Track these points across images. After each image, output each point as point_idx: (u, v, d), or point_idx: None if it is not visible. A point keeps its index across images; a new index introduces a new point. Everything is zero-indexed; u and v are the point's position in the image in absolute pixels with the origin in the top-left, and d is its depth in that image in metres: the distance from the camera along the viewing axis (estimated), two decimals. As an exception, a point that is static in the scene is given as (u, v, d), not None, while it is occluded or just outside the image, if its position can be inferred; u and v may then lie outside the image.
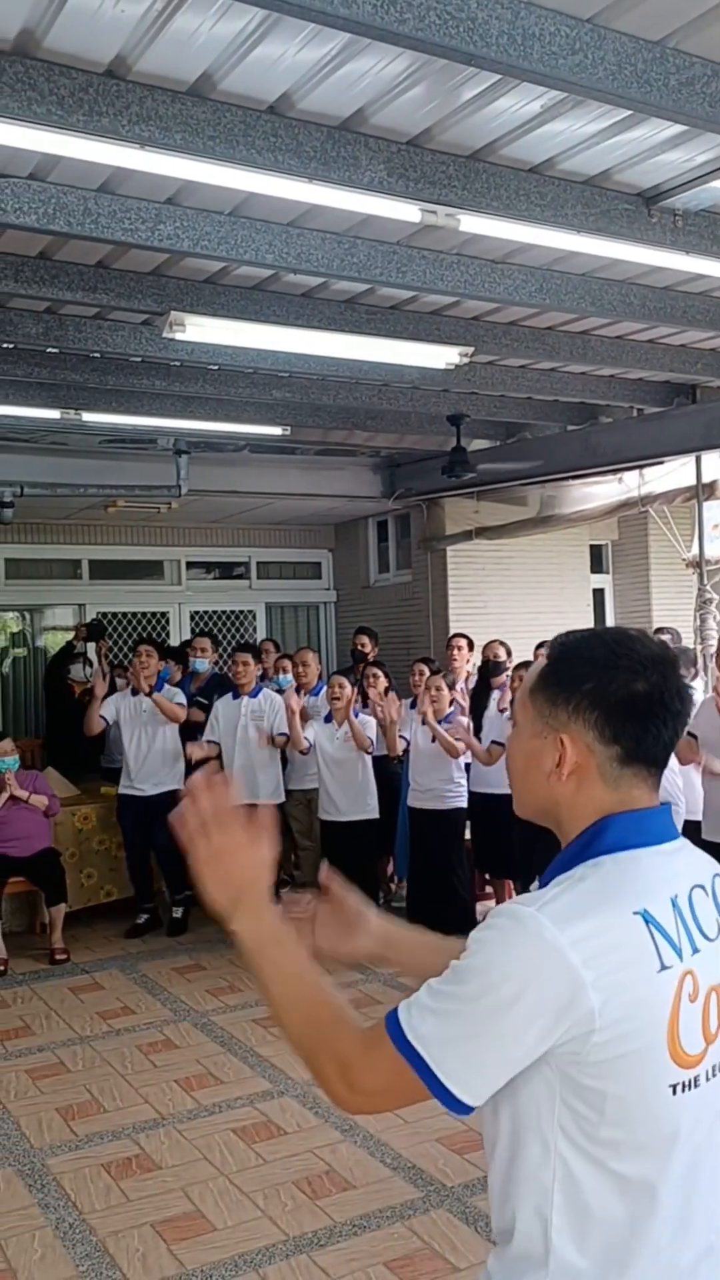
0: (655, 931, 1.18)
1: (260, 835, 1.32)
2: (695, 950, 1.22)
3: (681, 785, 5.08)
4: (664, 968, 1.18)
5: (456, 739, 6.31)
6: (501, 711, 6.54)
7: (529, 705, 1.31)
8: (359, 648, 8.34)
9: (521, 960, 1.14)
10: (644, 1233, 1.18)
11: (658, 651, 1.27)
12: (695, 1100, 1.19)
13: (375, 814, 6.63)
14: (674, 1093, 1.17)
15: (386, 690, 7.44)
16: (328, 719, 6.68)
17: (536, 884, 1.28)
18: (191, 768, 7.03)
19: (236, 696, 6.82)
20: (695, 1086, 1.19)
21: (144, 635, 9.02)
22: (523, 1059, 1.15)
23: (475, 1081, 1.16)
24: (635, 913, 1.18)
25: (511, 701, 6.01)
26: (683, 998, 1.18)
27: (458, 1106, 1.17)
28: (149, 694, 6.72)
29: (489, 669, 6.97)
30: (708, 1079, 1.21)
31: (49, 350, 5.66)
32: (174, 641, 9.32)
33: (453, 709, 6.48)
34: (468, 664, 7.41)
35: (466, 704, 6.90)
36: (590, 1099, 1.15)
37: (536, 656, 6.66)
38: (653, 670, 1.25)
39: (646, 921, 1.18)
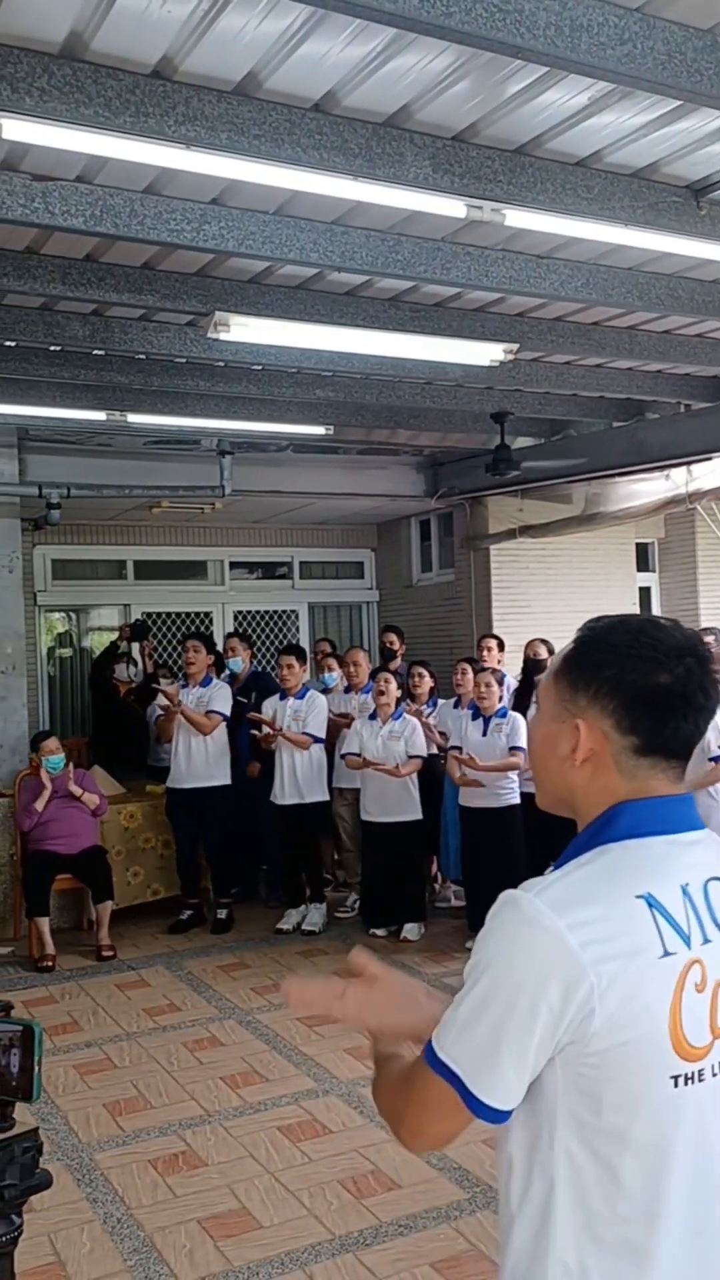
0: (659, 916, 1.15)
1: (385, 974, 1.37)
2: (706, 940, 1.18)
3: None
4: (667, 954, 1.14)
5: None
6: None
7: (551, 689, 1.29)
8: (388, 645, 8.37)
9: (521, 948, 1.13)
10: (650, 1231, 1.14)
11: (685, 642, 1.23)
12: (699, 1094, 1.16)
13: (418, 815, 6.61)
14: (675, 1085, 1.14)
15: (432, 690, 7.43)
16: (372, 717, 6.68)
17: (551, 867, 1.26)
18: (238, 763, 7.06)
19: (284, 697, 6.84)
20: (699, 1080, 1.16)
21: (191, 631, 9.09)
22: (539, 1050, 1.13)
23: (502, 1085, 1.14)
24: (638, 896, 1.15)
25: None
26: (687, 986, 1.15)
27: (493, 1115, 1.15)
28: (177, 706, 6.71)
29: (531, 667, 6.92)
30: (714, 1074, 1.17)
31: (95, 352, 5.71)
32: (219, 642, 9.37)
33: (503, 708, 6.44)
34: (498, 664, 7.35)
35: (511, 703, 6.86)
36: (590, 1088, 1.13)
37: None
38: (677, 661, 1.21)
39: (650, 905, 1.15)
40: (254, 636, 9.11)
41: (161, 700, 6.99)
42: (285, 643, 9.43)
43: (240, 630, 9.18)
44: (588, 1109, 1.14)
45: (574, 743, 1.24)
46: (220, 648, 7.82)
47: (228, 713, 6.91)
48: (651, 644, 1.23)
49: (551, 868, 1.25)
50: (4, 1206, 1.46)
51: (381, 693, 6.59)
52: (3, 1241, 1.49)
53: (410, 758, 6.50)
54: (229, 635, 8.10)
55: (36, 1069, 1.43)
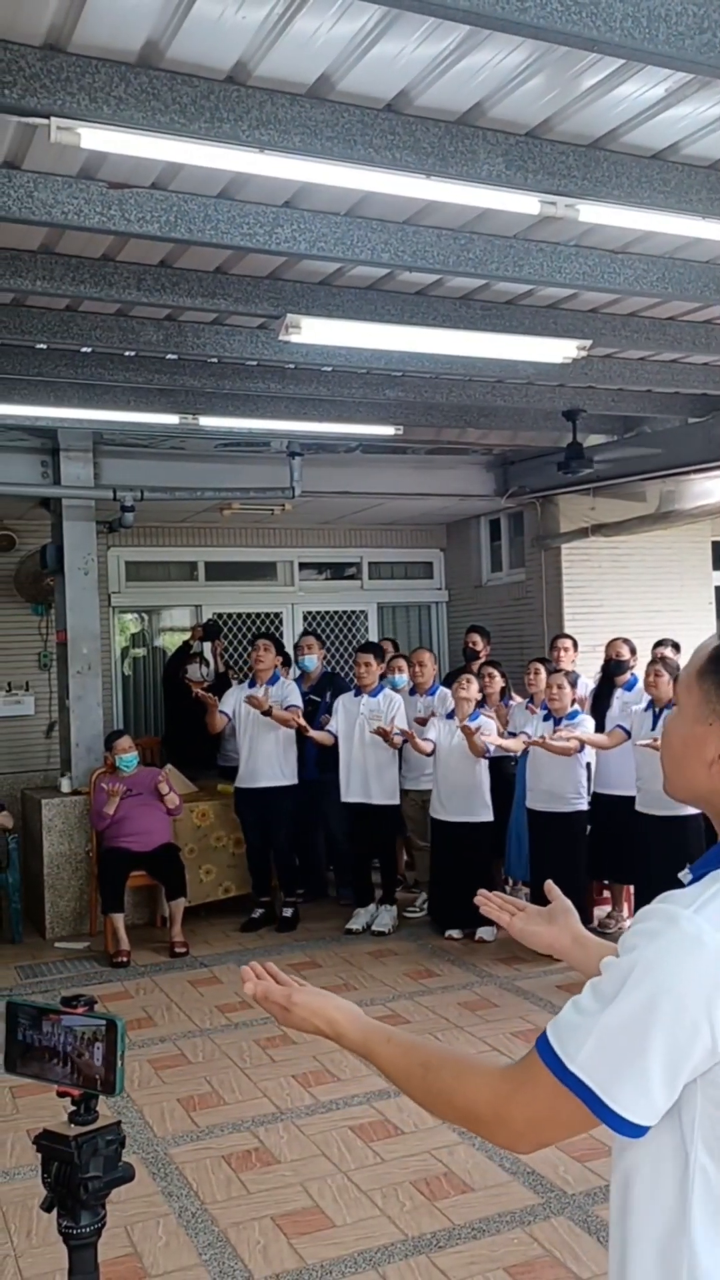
0: None
1: (293, 990, 1.41)
2: None
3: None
4: None
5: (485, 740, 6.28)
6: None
7: (697, 688, 1.25)
8: (471, 645, 8.29)
9: (681, 968, 1.08)
10: None
11: None
12: None
13: (489, 817, 6.58)
14: None
15: (504, 690, 7.38)
16: (449, 716, 6.66)
17: (687, 873, 1.23)
18: (305, 762, 7.09)
19: (358, 694, 6.86)
20: None
21: (261, 631, 9.16)
22: (691, 1072, 1.09)
23: (646, 1103, 1.10)
24: None
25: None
26: None
27: (632, 1130, 1.11)
28: (267, 712, 6.74)
29: (611, 668, 6.83)
30: None
31: (168, 357, 5.79)
32: (286, 642, 9.43)
33: (574, 710, 6.36)
34: (572, 665, 7.27)
35: (590, 704, 6.79)
36: None
37: (655, 655, 6.57)
38: None
39: None
40: (324, 637, 9.13)
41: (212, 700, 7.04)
42: (356, 643, 9.46)
43: (313, 630, 9.22)
44: None
45: (713, 745, 1.22)
46: (291, 647, 7.87)
47: (300, 704, 6.96)
48: None
49: (688, 871, 1.23)
50: (88, 1198, 1.49)
51: (462, 689, 6.56)
52: (87, 1232, 1.51)
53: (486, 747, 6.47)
54: (304, 634, 8.15)
55: (119, 1063, 1.45)
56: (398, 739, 6.62)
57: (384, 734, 6.56)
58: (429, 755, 6.65)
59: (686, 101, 3.38)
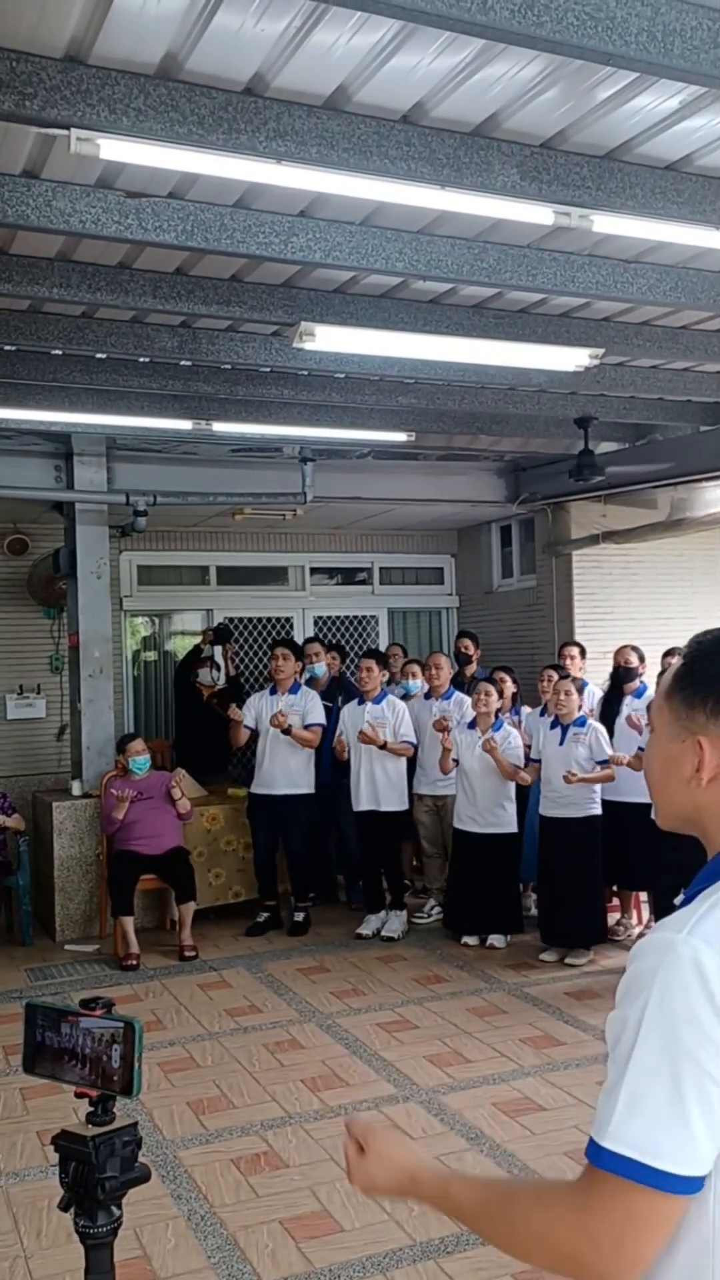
0: None
1: (376, 1140, 1.29)
2: None
3: None
4: None
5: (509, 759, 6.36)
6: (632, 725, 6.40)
7: (665, 708, 1.25)
8: (463, 650, 8.35)
9: (691, 995, 1.03)
10: None
11: None
12: None
13: (514, 828, 6.59)
14: None
15: (515, 697, 7.40)
16: (471, 725, 6.66)
17: (681, 897, 1.21)
18: (321, 768, 7.11)
19: (361, 702, 6.87)
20: None
21: (279, 637, 9.18)
22: None
23: (692, 1148, 1.02)
24: None
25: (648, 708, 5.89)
26: None
27: (692, 1186, 1.03)
28: (286, 730, 6.77)
29: (621, 675, 6.83)
30: None
31: (183, 363, 5.83)
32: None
33: (582, 716, 6.37)
34: (580, 672, 7.28)
35: (598, 712, 6.79)
36: None
37: (665, 664, 6.57)
38: None
39: None
40: (334, 642, 9.14)
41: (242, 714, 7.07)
42: (365, 648, 9.48)
43: (321, 636, 9.23)
44: None
45: (698, 761, 1.19)
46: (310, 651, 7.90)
47: (325, 721, 6.98)
48: None
49: (682, 894, 1.20)
50: (105, 1198, 1.51)
51: (482, 702, 6.57)
52: (103, 1232, 1.53)
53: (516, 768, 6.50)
54: (309, 640, 8.17)
55: (137, 1064, 1.47)
56: (405, 747, 6.67)
57: (369, 740, 6.59)
58: (454, 766, 6.67)
59: (701, 114, 3.40)
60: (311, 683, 7.54)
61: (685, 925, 1.08)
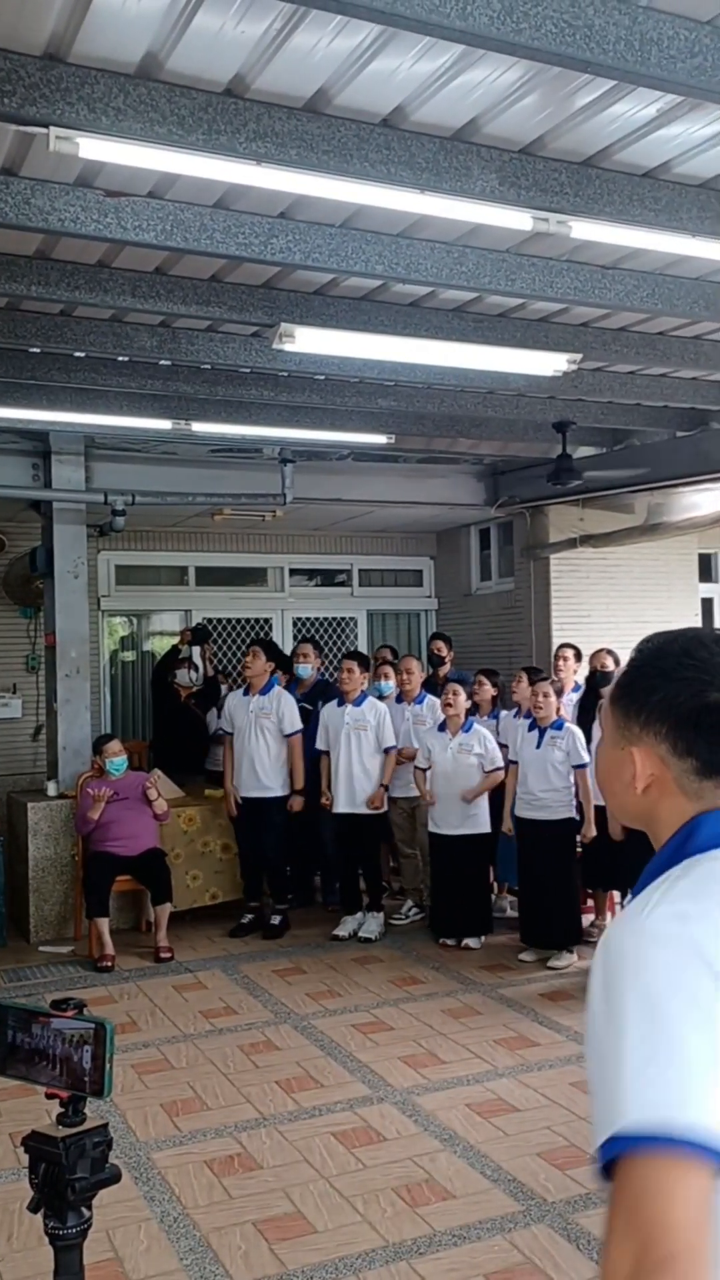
0: None
1: None
2: None
3: None
4: None
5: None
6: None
7: (609, 715, 1.27)
8: (436, 652, 8.38)
9: (662, 962, 1.00)
10: None
11: None
12: None
13: (486, 828, 6.62)
14: None
15: (495, 699, 7.42)
16: (441, 728, 6.68)
17: (630, 897, 1.23)
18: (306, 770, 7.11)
19: (341, 704, 6.88)
20: None
21: (256, 637, 9.17)
22: None
23: (710, 1108, 0.92)
24: None
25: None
26: None
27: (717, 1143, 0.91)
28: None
29: (597, 679, 6.87)
30: None
31: (162, 363, 5.81)
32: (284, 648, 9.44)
33: (560, 719, 6.40)
34: (574, 674, 7.33)
35: (574, 715, 6.83)
36: None
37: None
38: None
39: None
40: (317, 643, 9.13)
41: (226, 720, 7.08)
42: (345, 649, 9.49)
43: (311, 636, 9.20)
44: None
45: (633, 770, 1.22)
46: (290, 653, 7.91)
47: (300, 725, 6.98)
48: (697, 664, 1.19)
49: (630, 894, 1.22)
50: (75, 1199, 1.50)
51: (450, 704, 6.59)
52: (73, 1234, 1.53)
53: (487, 772, 6.51)
54: (300, 641, 8.18)
55: (108, 1066, 1.47)
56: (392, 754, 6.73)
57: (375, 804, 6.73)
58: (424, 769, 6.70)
59: (677, 122, 3.43)
60: (297, 684, 7.55)
61: (642, 910, 1.07)
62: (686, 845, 1.17)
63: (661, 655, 1.23)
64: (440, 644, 8.45)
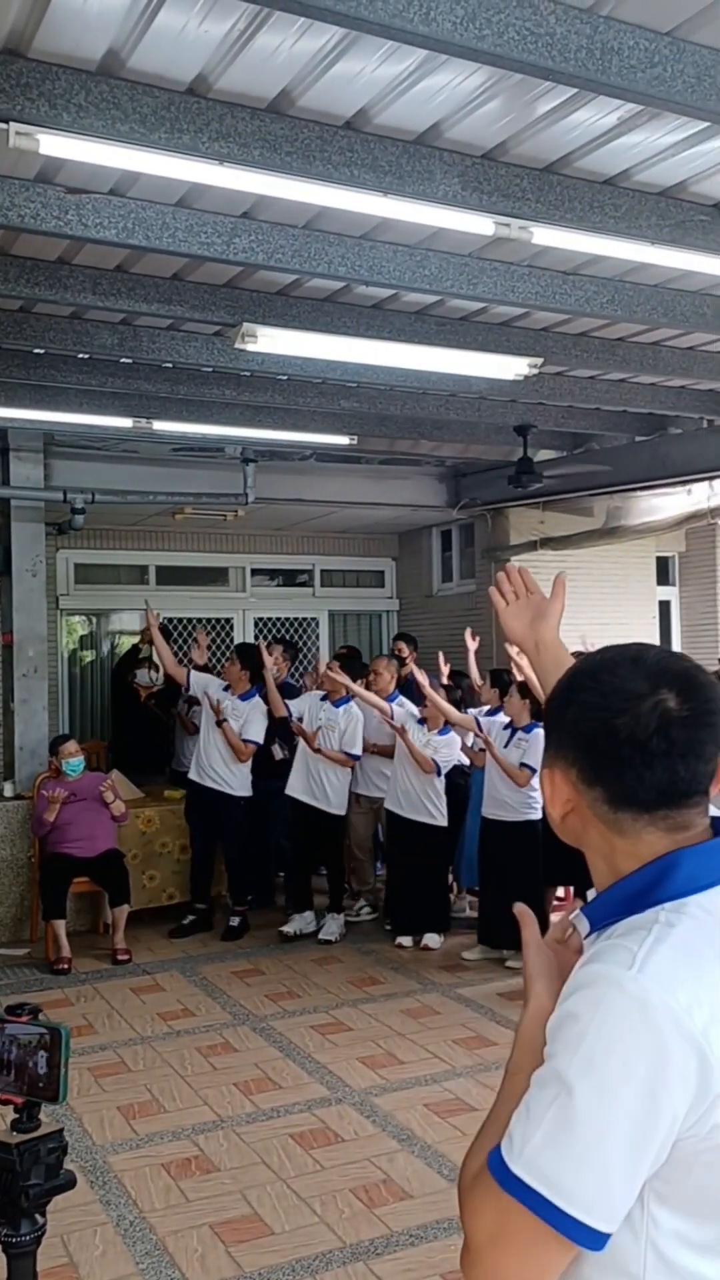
0: None
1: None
2: None
3: None
4: None
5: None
6: None
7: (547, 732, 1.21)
8: (397, 653, 8.38)
9: (635, 1038, 0.96)
10: None
11: (656, 676, 1.09)
12: None
13: (442, 822, 6.65)
14: None
15: (462, 701, 7.45)
16: (421, 722, 6.71)
17: (580, 915, 1.17)
18: (263, 773, 7.08)
19: (325, 699, 6.88)
20: None
21: (242, 642, 9.06)
22: (658, 1155, 0.97)
23: (607, 1203, 0.95)
24: None
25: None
26: None
27: (597, 1240, 0.96)
28: (220, 722, 6.77)
29: None
30: None
31: (123, 360, 5.77)
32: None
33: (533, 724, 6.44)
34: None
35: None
36: (687, 1187, 1.00)
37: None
38: (638, 702, 1.07)
39: None
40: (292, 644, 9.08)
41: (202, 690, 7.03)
42: (310, 650, 9.49)
43: (285, 638, 9.15)
44: (683, 1208, 1.00)
45: (550, 793, 1.16)
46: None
47: (260, 740, 6.94)
48: (614, 684, 1.09)
49: (581, 914, 1.16)
50: (29, 1206, 1.49)
51: (380, 678, 6.66)
52: (26, 1241, 1.52)
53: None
54: (274, 642, 8.16)
55: (63, 1071, 1.46)
56: (349, 759, 6.76)
57: (300, 733, 6.70)
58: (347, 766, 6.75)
59: (638, 130, 3.47)
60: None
61: (633, 962, 1.00)
62: (663, 885, 1.08)
63: (580, 674, 1.15)
64: (402, 645, 8.45)
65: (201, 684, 7.07)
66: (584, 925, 1.16)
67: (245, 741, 6.85)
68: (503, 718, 6.45)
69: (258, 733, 6.92)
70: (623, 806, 1.09)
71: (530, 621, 1.71)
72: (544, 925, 5.64)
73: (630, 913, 1.08)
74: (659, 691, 1.08)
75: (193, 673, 7.15)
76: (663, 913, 1.06)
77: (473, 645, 7.14)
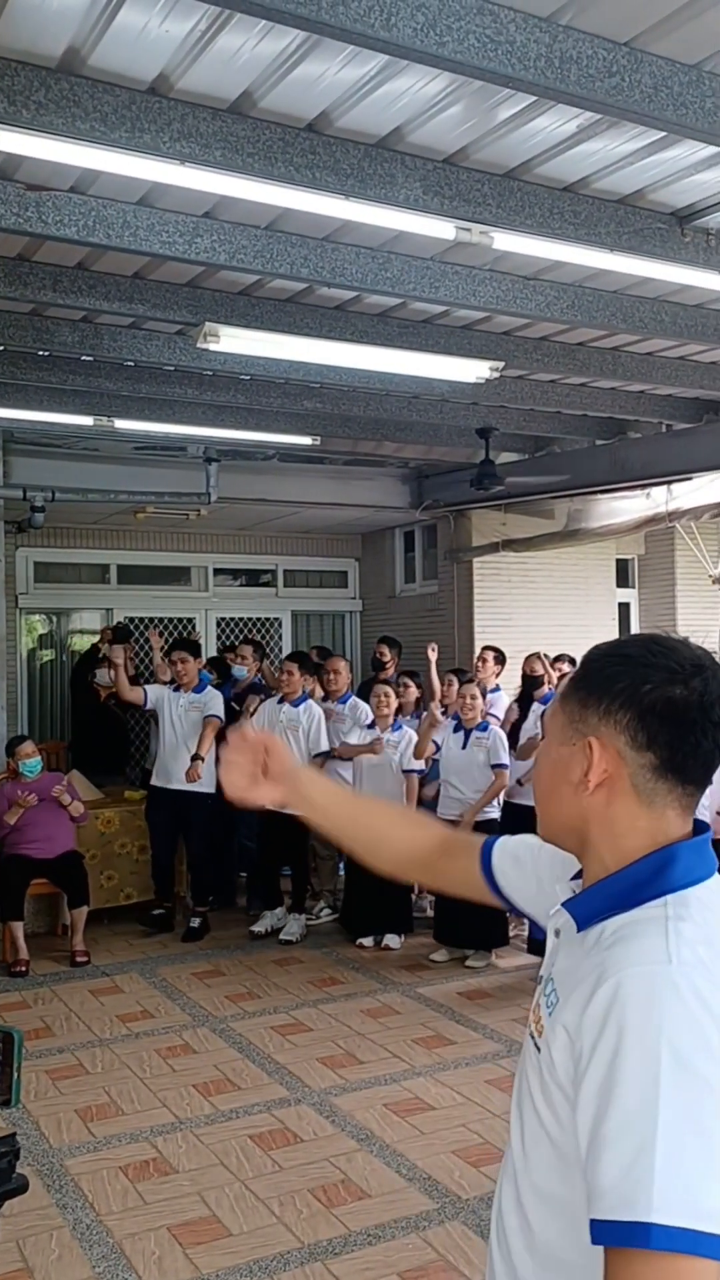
0: None
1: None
2: None
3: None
4: None
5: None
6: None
7: (560, 712, 1.20)
8: (379, 656, 8.38)
9: (703, 1035, 0.98)
10: None
11: (699, 657, 1.14)
12: None
13: None
14: None
15: (418, 701, 7.47)
16: (370, 725, 6.71)
17: (561, 911, 1.20)
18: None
19: (280, 702, 6.88)
20: None
21: (179, 639, 9.04)
22: None
23: None
24: None
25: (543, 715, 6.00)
26: None
27: None
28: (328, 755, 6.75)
29: (529, 683, 6.97)
30: None
31: (84, 358, 5.74)
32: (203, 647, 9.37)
33: (485, 721, 6.48)
34: (495, 677, 7.41)
35: (503, 717, 6.92)
36: None
37: (556, 669, 6.73)
38: (694, 675, 1.12)
39: None
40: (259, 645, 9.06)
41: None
42: (273, 650, 9.47)
43: (253, 637, 9.13)
44: None
45: (586, 765, 1.15)
46: (228, 653, 7.88)
47: (223, 715, 6.93)
48: (664, 656, 1.14)
49: (562, 909, 1.19)
50: (-20, 1210, 1.48)
51: (384, 708, 6.62)
52: (-23, 1245, 1.51)
53: (405, 772, 6.54)
54: (241, 642, 8.15)
55: (16, 1075, 1.46)
56: (318, 761, 6.73)
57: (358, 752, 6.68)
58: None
59: (597, 138, 3.51)
60: (232, 684, 7.52)
61: (668, 956, 1.03)
62: (665, 877, 1.11)
63: (625, 646, 1.18)
64: (384, 648, 8.42)
65: (157, 695, 7.03)
66: (564, 920, 1.18)
67: (207, 718, 6.83)
68: (450, 721, 6.49)
69: (218, 708, 6.93)
70: (667, 774, 1.13)
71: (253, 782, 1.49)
72: (501, 929, 5.63)
73: (626, 906, 1.11)
74: (703, 667, 1.13)
75: (147, 687, 7.09)
76: (669, 906, 1.09)
77: (434, 657, 7.15)
